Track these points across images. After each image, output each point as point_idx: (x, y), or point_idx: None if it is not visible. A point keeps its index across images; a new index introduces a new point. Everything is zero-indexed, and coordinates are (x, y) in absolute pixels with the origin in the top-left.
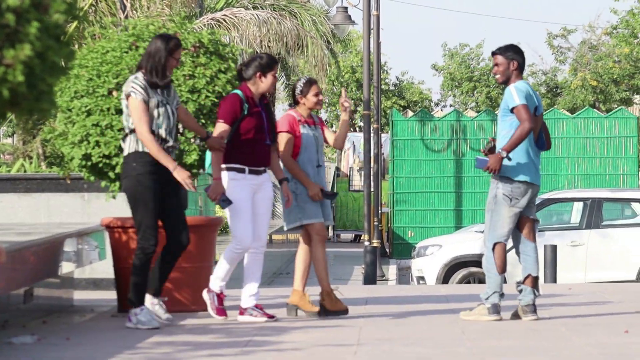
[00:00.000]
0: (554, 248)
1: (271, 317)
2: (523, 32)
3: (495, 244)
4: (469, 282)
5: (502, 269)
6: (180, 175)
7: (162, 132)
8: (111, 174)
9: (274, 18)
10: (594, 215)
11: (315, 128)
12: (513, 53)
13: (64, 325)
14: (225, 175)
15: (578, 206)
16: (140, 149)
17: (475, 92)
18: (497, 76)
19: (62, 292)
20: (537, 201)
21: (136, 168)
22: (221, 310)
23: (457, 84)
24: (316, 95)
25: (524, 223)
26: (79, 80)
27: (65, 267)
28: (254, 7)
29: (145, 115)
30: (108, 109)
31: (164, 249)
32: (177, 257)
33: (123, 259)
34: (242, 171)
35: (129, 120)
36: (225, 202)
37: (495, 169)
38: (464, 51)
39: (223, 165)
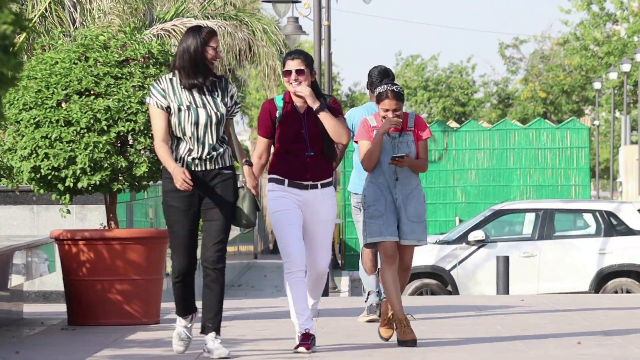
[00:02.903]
0: (507, 259)
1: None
2: (476, 43)
3: (363, 247)
4: (421, 294)
5: (371, 270)
6: (175, 176)
7: (188, 139)
8: (60, 187)
9: (224, 28)
10: (546, 226)
11: (398, 136)
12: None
13: (14, 338)
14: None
15: (530, 217)
16: None
17: (430, 101)
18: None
19: (12, 305)
20: (489, 212)
21: (165, 184)
22: (306, 345)
23: (412, 92)
24: (386, 111)
25: None
26: (27, 92)
27: (15, 280)
28: (205, 17)
29: (157, 122)
30: (57, 121)
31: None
32: (214, 285)
33: (73, 272)
34: (281, 182)
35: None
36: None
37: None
38: (416, 62)
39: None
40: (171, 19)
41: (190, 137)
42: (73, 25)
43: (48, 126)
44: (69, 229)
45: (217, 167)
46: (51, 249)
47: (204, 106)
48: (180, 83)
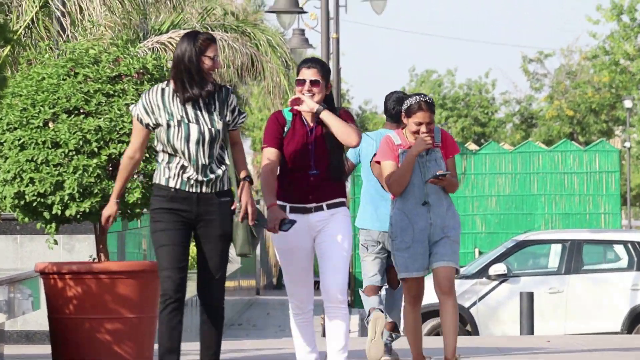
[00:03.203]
0: (531, 296)
1: None
2: (496, 57)
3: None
4: (437, 334)
5: (373, 292)
6: (104, 212)
7: (180, 155)
8: (47, 215)
9: (225, 40)
10: (574, 258)
11: (425, 153)
12: None
13: None
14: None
15: (556, 249)
16: (157, 180)
17: (448, 121)
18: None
19: None
20: (511, 243)
21: (152, 202)
22: None
23: None
24: (419, 124)
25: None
26: (11, 111)
27: None
28: (204, 28)
29: (134, 135)
30: (44, 142)
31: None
32: (213, 321)
33: (59, 309)
34: (282, 209)
35: (158, 144)
36: (289, 224)
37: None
38: (432, 77)
39: None
40: (167, 31)
41: (182, 154)
42: (62, 38)
43: (34, 148)
44: (55, 261)
45: (213, 190)
46: (36, 284)
47: (197, 121)
48: (173, 94)
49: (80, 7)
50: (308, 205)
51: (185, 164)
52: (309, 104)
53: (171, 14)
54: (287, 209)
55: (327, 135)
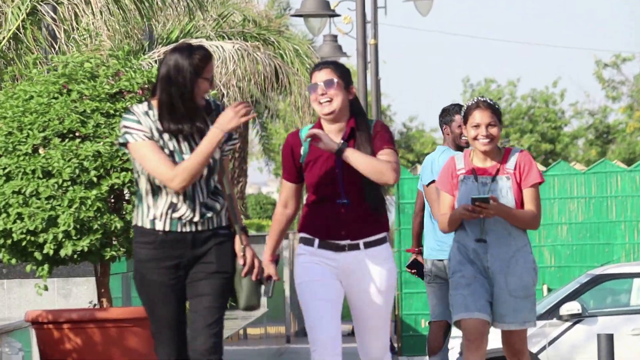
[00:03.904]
0: (610, 338)
1: None
2: (565, 63)
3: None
4: None
5: (432, 350)
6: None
7: (170, 194)
8: (38, 255)
9: (245, 50)
10: None
11: (490, 180)
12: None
13: None
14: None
15: (639, 283)
16: (139, 222)
17: (509, 138)
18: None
19: None
20: (586, 278)
21: (135, 252)
22: None
23: None
24: (477, 127)
25: None
26: None
27: None
28: (219, 37)
29: (154, 155)
30: (33, 172)
31: None
32: None
33: None
34: (310, 243)
35: (140, 177)
36: (270, 284)
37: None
38: (491, 88)
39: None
40: (176, 40)
41: (174, 191)
42: (53, 50)
43: (22, 178)
44: (49, 309)
45: (210, 227)
46: (27, 336)
47: (192, 150)
48: (159, 121)
49: (75, 14)
50: (341, 243)
51: (176, 200)
52: (327, 144)
53: (181, 20)
54: (316, 243)
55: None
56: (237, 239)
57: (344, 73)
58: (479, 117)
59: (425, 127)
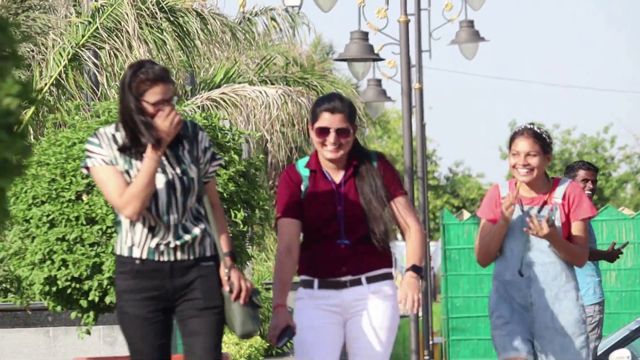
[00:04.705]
0: None
1: None
2: (615, 107)
3: None
4: None
5: None
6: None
7: (146, 216)
8: (83, 302)
9: (288, 95)
10: None
11: (537, 211)
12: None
13: None
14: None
15: None
16: (118, 251)
17: None
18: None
19: None
20: (636, 325)
21: (116, 283)
22: None
23: None
24: (516, 155)
25: None
26: (38, 182)
27: None
28: (262, 82)
29: (111, 179)
30: (77, 218)
31: None
32: None
33: None
34: (309, 285)
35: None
36: (289, 335)
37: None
38: None
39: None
40: (219, 86)
41: (147, 212)
42: (95, 95)
43: (65, 225)
44: (95, 356)
45: (191, 257)
46: None
47: (163, 170)
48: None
49: (116, 58)
50: (342, 279)
51: (153, 223)
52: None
53: (224, 65)
54: (315, 283)
55: (362, 191)
56: (221, 264)
57: (353, 113)
58: (519, 145)
59: (471, 172)
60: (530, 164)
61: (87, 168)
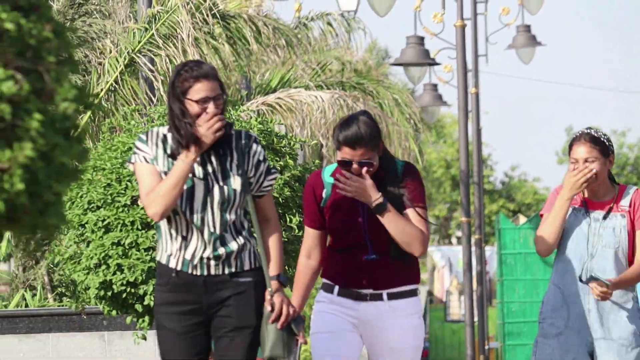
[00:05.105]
0: None
1: None
2: None
3: None
4: None
5: None
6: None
7: (181, 223)
8: (138, 307)
9: (344, 100)
10: None
11: (602, 217)
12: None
13: None
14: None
15: None
16: (158, 257)
17: None
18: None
19: None
20: None
21: (155, 295)
22: None
23: None
24: (575, 162)
25: None
26: (93, 187)
27: None
28: (318, 87)
29: (147, 178)
30: (132, 223)
31: None
32: None
33: None
34: (329, 289)
35: None
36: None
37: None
38: None
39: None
40: (275, 90)
41: (183, 220)
42: (150, 101)
43: (121, 230)
44: None
45: (226, 271)
46: None
47: (205, 177)
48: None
49: (172, 64)
50: (362, 292)
51: (185, 233)
52: (360, 195)
53: (280, 70)
54: (336, 290)
55: (389, 200)
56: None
57: (376, 140)
58: (577, 151)
59: (527, 177)
60: (592, 174)
61: (132, 164)
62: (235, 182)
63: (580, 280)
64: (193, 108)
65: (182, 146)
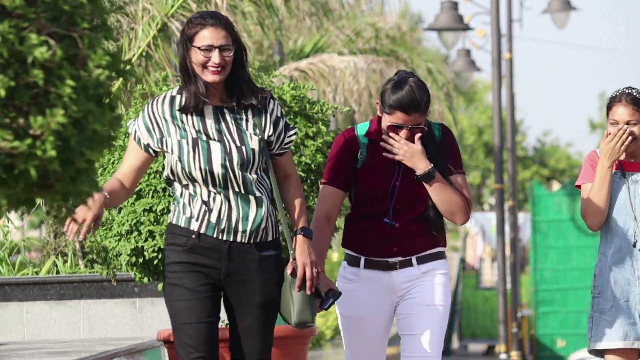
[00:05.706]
0: None
1: None
2: None
3: None
4: None
5: None
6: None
7: (201, 188)
8: None
9: (376, 65)
10: None
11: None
12: None
13: None
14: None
15: None
16: (174, 220)
17: None
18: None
19: None
20: None
21: (166, 253)
22: None
23: None
24: (614, 123)
25: None
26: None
27: None
28: (351, 52)
29: (126, 158)
30: (164, 189)
31: None
32: None
33: None
34: (355, 262)
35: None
36: (332, 298)
37: None
38: None
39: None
40: (308, 56)
41: (203, 187)
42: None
43: (152, 196)
44: None
45: (253, 240)
46: (159, 355)
47: (221, 139)
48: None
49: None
50: (391, 260)
51: (207, 198)
52: (412, 162)
53: (313, 35)
54: (362, 262)
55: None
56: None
57: (428, 104)
58: (618, 113)
59: (560, 142)
60: (632, 132)
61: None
62: (254, 142)
63: (634, 245)
64: (197, 56)
65: (189, 99)
